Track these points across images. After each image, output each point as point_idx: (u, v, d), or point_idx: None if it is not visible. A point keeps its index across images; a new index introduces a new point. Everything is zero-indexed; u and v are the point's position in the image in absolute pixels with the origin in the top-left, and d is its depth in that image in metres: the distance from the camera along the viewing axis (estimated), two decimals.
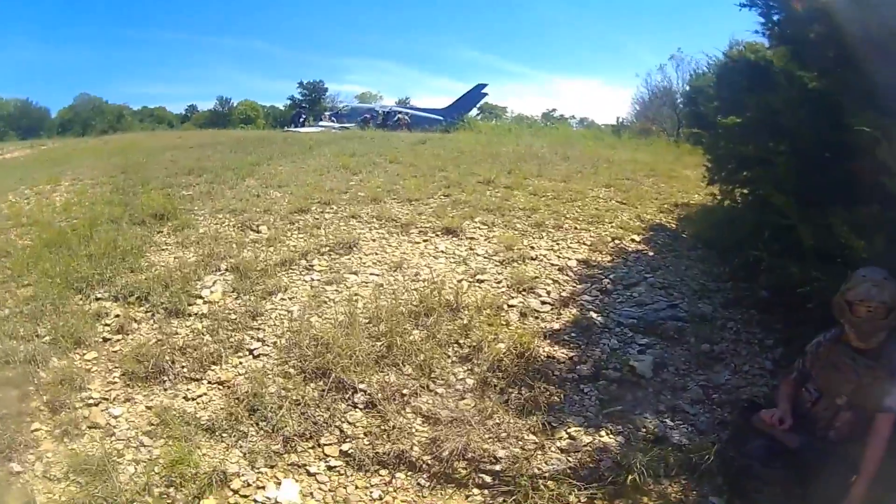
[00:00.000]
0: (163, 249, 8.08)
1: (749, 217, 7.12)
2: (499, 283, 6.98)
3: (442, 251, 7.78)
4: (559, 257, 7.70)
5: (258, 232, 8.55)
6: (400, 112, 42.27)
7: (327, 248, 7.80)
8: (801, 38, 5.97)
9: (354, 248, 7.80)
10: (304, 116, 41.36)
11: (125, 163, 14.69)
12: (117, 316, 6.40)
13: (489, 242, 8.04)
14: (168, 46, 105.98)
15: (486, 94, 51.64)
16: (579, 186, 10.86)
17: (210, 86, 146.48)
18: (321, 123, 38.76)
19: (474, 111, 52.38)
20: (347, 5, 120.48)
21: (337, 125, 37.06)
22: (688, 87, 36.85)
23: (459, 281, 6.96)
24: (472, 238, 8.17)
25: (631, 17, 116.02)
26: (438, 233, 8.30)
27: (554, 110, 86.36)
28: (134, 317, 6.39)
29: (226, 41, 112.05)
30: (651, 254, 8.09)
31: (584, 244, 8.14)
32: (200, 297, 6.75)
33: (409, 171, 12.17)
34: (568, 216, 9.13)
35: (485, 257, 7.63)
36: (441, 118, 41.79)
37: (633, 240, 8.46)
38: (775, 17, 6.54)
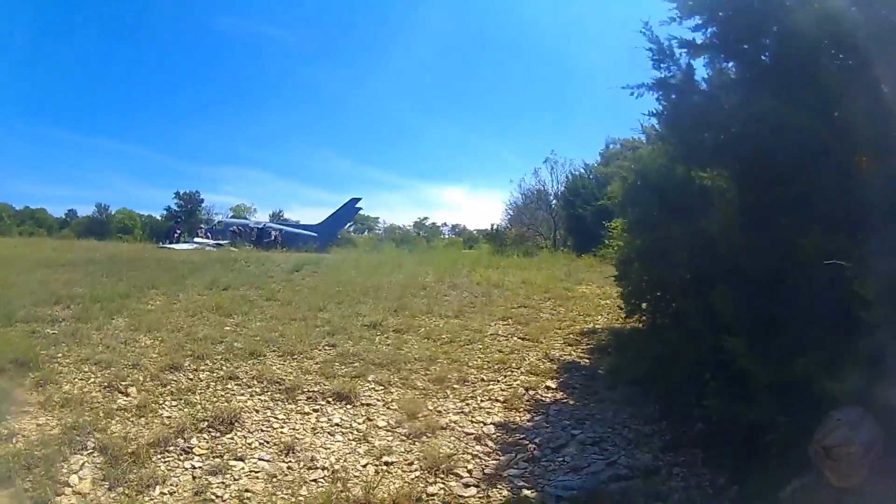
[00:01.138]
0: (24, 411, 6.71)
1: (682, 354, 6.51)
2: (410, 464, 6.00)
3: (337, 424, 6.75)
4: (472, 422, 6.84)
5: (127, 395, 7.26)
6: (273, 229, 41.88)
7: (206, 423, 6.57)
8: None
9: (236, 424, 6.63)
10: (178, 232, 40.46)
11: None
12: None
13: (389, 409, 7.10)
14: (50, 144, 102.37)
15: (360, 209, 52.01)
16: (475, 323, 10.23)
17: (90, 188, 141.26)
18: (196, 240, 37.76)
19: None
20: (223, 114, 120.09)
21: (212, 241, 36.63)
22: (564, 189, 38.03)
23: (364, 466, 5.96)
24: (368, 404, 7.20)
25: (497, 124, 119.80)
26: (329, 399, 7.28)
27: (426, 219, 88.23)
28: None
29: (107, 143, 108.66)
30: (571, 402, 7.38)
31: (497, 400, 7.33)
32: (68, 485, 5.51)
33: (287, 311, 11.13)
34: (471, 364, 8.37)
35: (388, 430, 6.65)
36: (315, 234, 41.97)
37: (548, 387, 7.74)
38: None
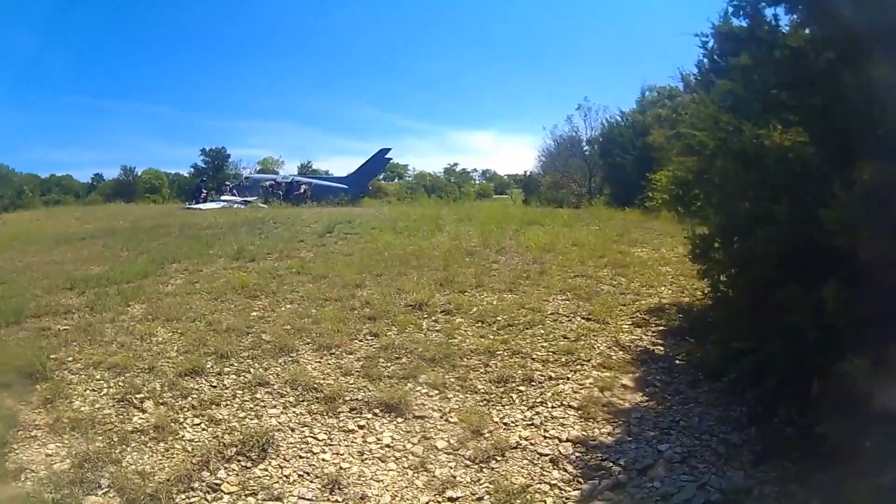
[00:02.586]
0: (32, 436, 5.79)
1: (780, 354, 5.55)
2: (479, 500, 5.01)
3: (388, 446, 5.72)
4: (546, 437, 5.82)
5: (143, 411, 6.21)
6: (303, 183, 41.23)
7: (234, 449, 5.54)
8: None
9: (270, 449, 5.61)
10: (204, 192, 39.31)
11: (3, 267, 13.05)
12: None
13: (448, 422, 6.07)
14: (73, 111, 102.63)
15: (390, 159, 51.22)
16: (532, 300, 9.19)
17: (116, 151, 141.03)
18: (223, 198, 36.83)
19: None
20: (247, 68, 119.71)
21: (239, 199, 35.78)
22: (600, 138, 36.83)
23: None
24: (423, 417, 6.16)
25: (526, 68, 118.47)
26: (377, 410, 6.25)
27: (455, 164, 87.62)
28: None
29: (130, 105, 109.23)
30: (653, 406, 6.34)
31: (571, 407, 6.29)
32: None
33: (321, 289, 10.13)
34: (535, 357, 7.33)
35: (449, 452, 5.62)
36: (346, 187, 41.43)
37: (624, 386, 6.70)
38: None
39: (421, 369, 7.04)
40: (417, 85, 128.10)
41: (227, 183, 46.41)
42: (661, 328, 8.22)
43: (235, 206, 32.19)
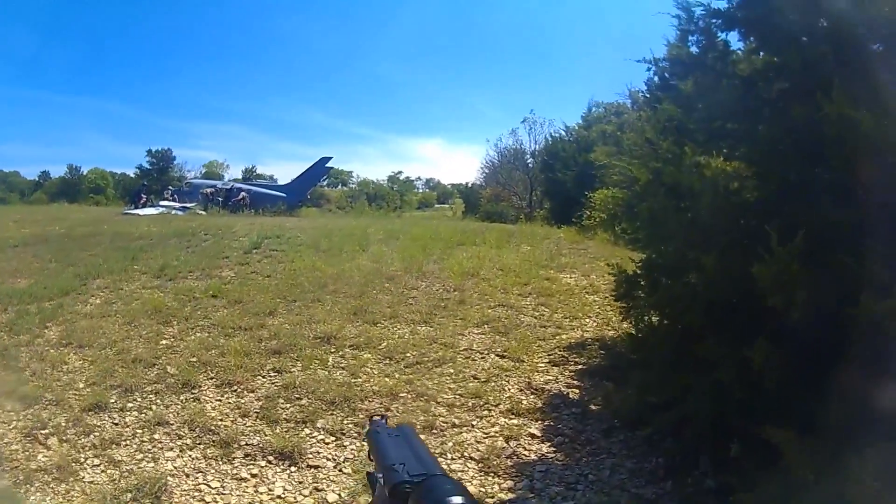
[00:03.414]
0: None
1: (701, 409, 5.27)
2: None
3: (279, 497, 5.39)
4: None
5: (47, 448, 6.07)
6: (242, 190, 40.53)
7: (129, 495, 5.26)
8: None
9: (163, 496, 5.31)
10: (144, 197, 38.91)
11: None
12: None
13: (341, 473, 5.74)
14: (20, 105, 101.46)
15: (330, 168, 51.25)
16: (446, 334, 8.96)
17: (64, 147, 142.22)
18: (162, 203, 36.74)
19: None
20: (198, 69, 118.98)
21: (178, 205, 35.87)
22: (543, 152, 36.85)
23: None
24: (316, 466, 5.82)
25: (475, 77, 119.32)
26: (271, 458, 5.92)
27: (400, 173, 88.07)
28: None
29: (79, 100, 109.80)
30: (560, 459, 6.03)
31: (472, 459, 5.95)
32: None
33: (233, 315, 9.89)
34: (440, 400, 7.02)
35: None
36: (284, 195, 40.84)
37: (531, 435, 6.38)
38: None
39: (320, 413, 6.73)
40: (366, 91, 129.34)
41: (170, 187, 45.62)
42: (580, 367, 8.00)
43: (174, 212, 32.22)
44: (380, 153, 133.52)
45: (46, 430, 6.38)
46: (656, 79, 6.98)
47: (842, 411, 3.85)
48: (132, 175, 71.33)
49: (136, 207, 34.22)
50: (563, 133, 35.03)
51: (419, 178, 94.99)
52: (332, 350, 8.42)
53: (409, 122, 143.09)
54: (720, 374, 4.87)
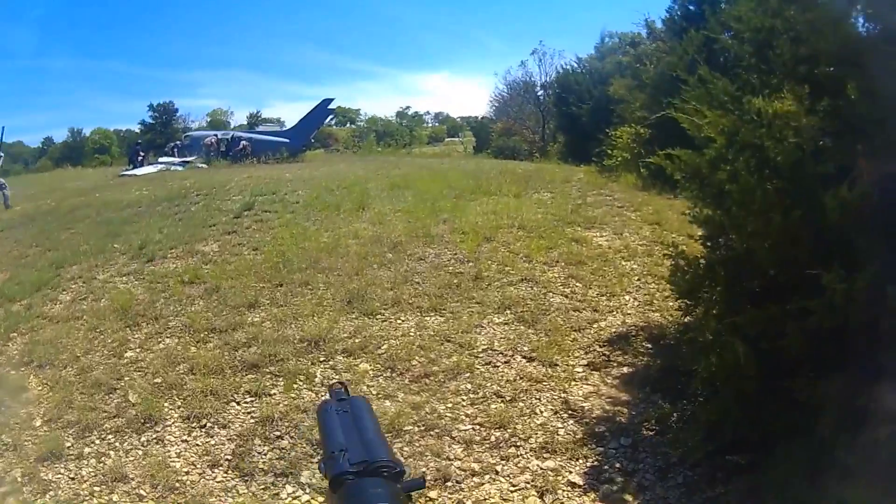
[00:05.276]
0: None
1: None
2: None
3: None
4: None
5: None
6: (243, 139, 39.61)
7: None
8: None
9: None
10: (142, 155, 37.72)
11: None
12: None
13: None
14: (19, 74, 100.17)
15: (332, 110, 50.19)
16: (461, 326, 7.51)
17: (66, 111, 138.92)
18: (162, 160, 35.85)
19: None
20: (194, 15, 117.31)
21: (178, 160, 35.10)
22: (556, 85, 35.39)
23: None
24: None
25: (481, 7, 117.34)
26: None
27: (408, 108, 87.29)
28: None
29: (77, 63, 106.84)
30: None
31: None
32: None
33: (209, 308, 8.71)
34: (454, 434, 5.60)
35: None
36: (287, 140, 39.82)
37: (572, 483, 4.93)
38: None
39: (304, 461, 5.37)
40: (369, 28, 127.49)
41: (173, 142, 44.44)
42: (625, 369, 6.57)
43: (173, 168, 31.50)
44: (386, 88, 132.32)
45: (2, 489, 5.50)
46: (676, 7, 5.50)
47: None
48: (137, 131, 70.66)
49: (135, 167, 33.43)
50: (576, 65, 33.68)
51: (427, 113, 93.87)
52: (321, 359, 7.05)
53: (414, 57, 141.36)
54: (822, 423, 3.63)
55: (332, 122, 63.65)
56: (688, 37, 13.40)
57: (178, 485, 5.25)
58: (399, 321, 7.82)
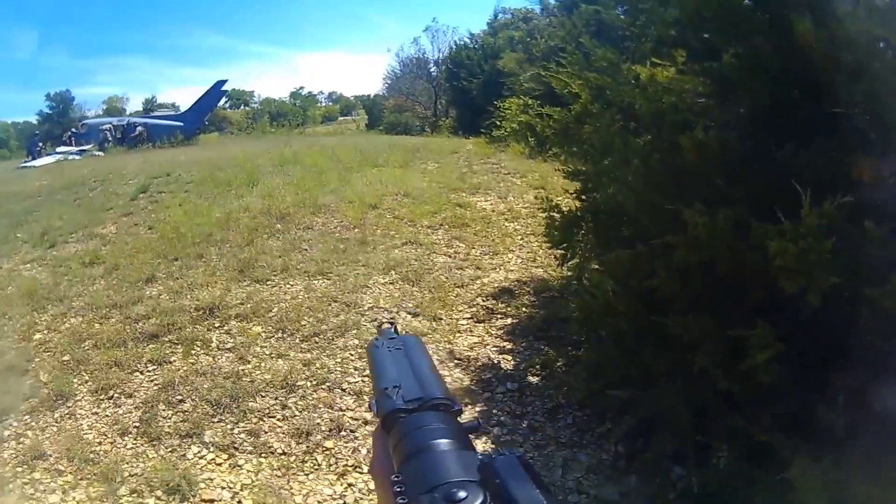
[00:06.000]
0: None
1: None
2: None
3: None
4: None
5: None
6: (138, 124, 39.96)
7: None
8: None
9: None
10: (39, 146, 38.29)
11: None
12: None
13: None
14: None
15: (226, 92, 51.53)
16: (347, 287, 7.97)
17: None
18: (58, 151, 35.55)
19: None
20: (88, 3, 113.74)
21: (75, 149, 35.03)
22: (448, 60, 36.09)
23: None
24: (210, 501, 4.83)
25: None
26: (159, 493, 4.92)
27: (301, 88, 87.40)
28: None
29: None
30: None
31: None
32: None
33: (110, 286, 8.90)
34: (345, 386, 6.06)
35: None
36: (181, 124, 39.66)
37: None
38: None
39: (206, 421, 5.70)
40: (262, 8, 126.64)
41: (71, 130, 43.85)
42: (510, 322, 7.09)
43: (71, 157, 31.46)
44: (281, 70, 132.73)
45: None
46: None
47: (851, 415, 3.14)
48: (35, 122, 69.76)
49: (34, 159, 33.35)
50: (468, 41, 34.99)
51: (321, 93, 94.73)
52: (216, 325, 7.38)
53: (308, 38, 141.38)
54: (698, 358, 3.95)
55: (227, 104, 63.71)
56: (578, 11, 13.98)
57: (92, 455, 5.42)
58: (288, 286, 8.17)
